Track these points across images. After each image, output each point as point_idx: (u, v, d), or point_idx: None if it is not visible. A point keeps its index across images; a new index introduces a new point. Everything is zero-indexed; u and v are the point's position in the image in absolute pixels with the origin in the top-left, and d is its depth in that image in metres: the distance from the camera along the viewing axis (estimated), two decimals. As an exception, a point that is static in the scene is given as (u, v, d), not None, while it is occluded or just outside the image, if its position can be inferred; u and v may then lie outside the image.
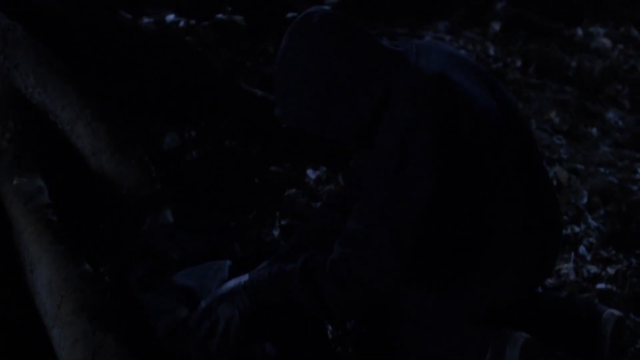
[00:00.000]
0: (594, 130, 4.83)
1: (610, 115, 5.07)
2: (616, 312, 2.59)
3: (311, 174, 3.89)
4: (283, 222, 3.40)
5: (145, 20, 4.01)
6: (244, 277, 2.43)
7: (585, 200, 3.90)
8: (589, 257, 3.52)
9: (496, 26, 6.19)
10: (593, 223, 3.75)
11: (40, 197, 2.93)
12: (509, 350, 2.35)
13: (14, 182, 2.92)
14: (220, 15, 4.10)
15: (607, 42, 6.31)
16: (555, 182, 4.00)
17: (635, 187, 4.08)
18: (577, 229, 3.66)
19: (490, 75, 2.47)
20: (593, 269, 3.47)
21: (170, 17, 4.03)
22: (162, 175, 3.33)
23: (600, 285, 3.36)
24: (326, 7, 2.34)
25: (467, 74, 2.36)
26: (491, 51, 5.73)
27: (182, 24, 4.03)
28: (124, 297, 2.72)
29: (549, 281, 3.26)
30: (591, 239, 3.63)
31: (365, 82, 2.25)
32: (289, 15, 5.05)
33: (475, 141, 2.27)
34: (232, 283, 2.45)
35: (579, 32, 6.50)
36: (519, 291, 2.49)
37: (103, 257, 2.94)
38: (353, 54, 2.25)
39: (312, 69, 2.25)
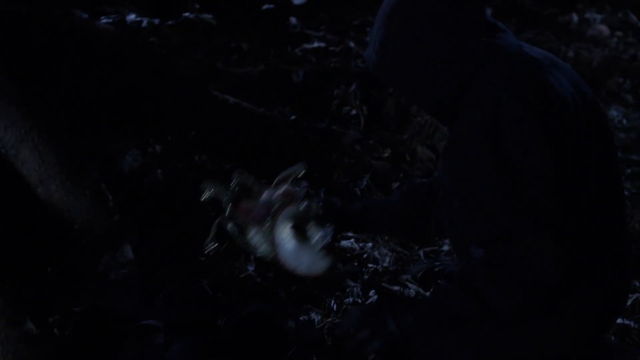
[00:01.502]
0: (598, 132, 4.45)
1: (614, 112, 4.70)
2: None
3: (290, 191, 3.51)
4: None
5: (104, 20, 3.62)
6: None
7: (594, 218, 3.54)
8: (601, 287, 3.15)
9: (487, 12, 5.79)
10: (603, 245, 3.38)
11: (-24, 239, 2.57)
12: None
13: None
14: (187, 14, 3.70)
15: (604, 29, 5.94)
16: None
17: (646, 202, 3.72)
18: (586, 254, 3.28)
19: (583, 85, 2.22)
20: (608, 300, 3.11)
21: (132, 16, 3.66)
22: (121, 202, 3.02)
23: (617, 320, 3.01)
24: None
25: (563, 74, 2.14)
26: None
27: (144, 24, 3.65)
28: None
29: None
30: (603, 264, 3.27)
31: (455, 63, 2.10)
32: (265, 7, 4.69)
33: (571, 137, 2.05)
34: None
35: (574, 18, 6.13)
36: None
37: (52, 309, 2.58)
38: (455, 27, 2.09)
39: (411, 31, 2.11)
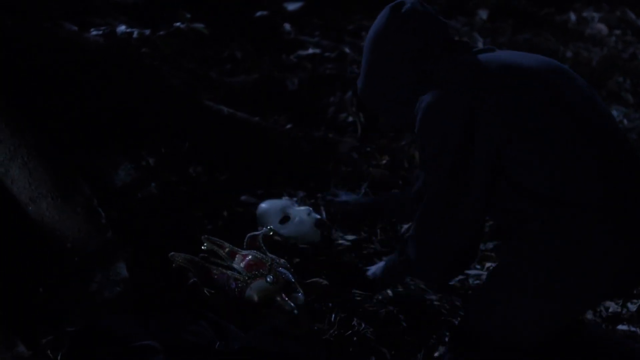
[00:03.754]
0: (599, 134, 4.38)
1: (615, 113, 4.62)
2: None
3: (287, 202, 3.45)
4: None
5: (94, 32, 3.55)
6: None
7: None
8: (607, 293, 3.10)
9: (483, 14, 5.75)
10: (608, 250, 3.31)
11: (-36, 260, 2.51)
12: None
13: None
14: (178, 24, 3.65)
15: (602, 27, 5.88)
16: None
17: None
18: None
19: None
20: (612, 306, 3.11)
21: (122, 28, 3.61)
22: (114, 219, 2.96)
23: (622, 327, 3.01)
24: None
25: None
26: (480, 44, 5.28)
27: (135, 35, 3.59)
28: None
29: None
30: (608, 270, 3.20)
31: (419, 85, 2.49)
32: (259, 14, 4.63)
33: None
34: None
35: (572, 17, 6.06)
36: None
37: (44, 330, 2.53)
38: (419, 55, 2.49)
39: (380, 58, 2.53)
